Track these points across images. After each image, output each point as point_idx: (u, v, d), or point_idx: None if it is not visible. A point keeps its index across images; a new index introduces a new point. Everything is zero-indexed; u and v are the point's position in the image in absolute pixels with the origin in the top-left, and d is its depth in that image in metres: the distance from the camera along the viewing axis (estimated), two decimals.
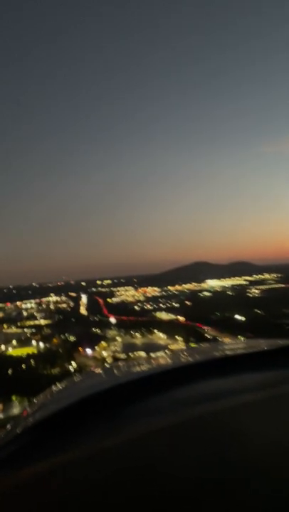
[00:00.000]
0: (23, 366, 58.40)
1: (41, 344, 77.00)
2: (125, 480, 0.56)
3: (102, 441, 0.66)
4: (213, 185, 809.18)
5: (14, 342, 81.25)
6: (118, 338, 78.10)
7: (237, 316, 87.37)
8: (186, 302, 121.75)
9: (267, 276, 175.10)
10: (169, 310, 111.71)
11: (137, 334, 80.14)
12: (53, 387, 1.20)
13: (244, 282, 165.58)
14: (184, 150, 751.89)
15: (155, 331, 79.03)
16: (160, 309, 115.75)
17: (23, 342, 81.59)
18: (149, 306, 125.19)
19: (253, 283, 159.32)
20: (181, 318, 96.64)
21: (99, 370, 1.28)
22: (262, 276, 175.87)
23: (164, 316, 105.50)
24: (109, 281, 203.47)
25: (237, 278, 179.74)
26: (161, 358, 1.31)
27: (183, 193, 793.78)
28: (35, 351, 71.31)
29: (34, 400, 1.11)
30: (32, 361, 60.85)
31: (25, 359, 63.58)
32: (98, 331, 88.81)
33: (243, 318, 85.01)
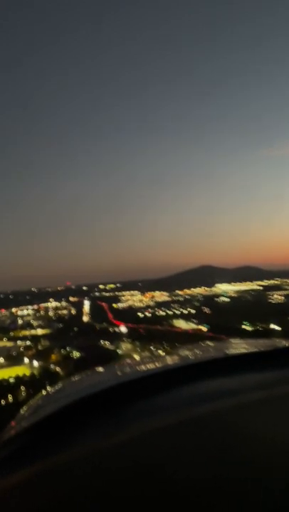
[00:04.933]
0: (9, 397, 42.27)
1: (36, 363, 60.98)
2: (126, 479, 0.55)
3: (103, 440, 0.66)
4: (219, 188, 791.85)
5: (1, 359, 65.26)
6: (135, 356, 60.83)
7: (273, 326, 72.43)
8: (204, 309, 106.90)
9: (280, 281, 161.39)
10: (186, 317, 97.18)
11: (159, 351, 62.90)
12: (54, 386, 1.18)
13: (258, 287, 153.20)
14: (190, 153, 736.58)
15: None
16: (176, 316, 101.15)
17: (14, 359, 65.55)
18: (161, 312, 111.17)
19: (267, 288, 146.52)
20: (203, 328, 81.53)
21: (100, 369, 1.25)
22: (275, 282, 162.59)
23: (182, 324, 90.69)
24: (112, 286, 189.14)
25: (248, 283, 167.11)
26: (164, 357, 1.31)
27: (188, 196, 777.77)
28: (28, 372, 55.20)
29: (33, 400, 1.09)
30: (22, 389, 44.76)
31: (13, 385, 47.74)
32: (107, 343, 73.53)
33: (279, 328, 70.18)
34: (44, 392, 1.15)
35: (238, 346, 1.30)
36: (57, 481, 0.58)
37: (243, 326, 76.70)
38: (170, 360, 1.21)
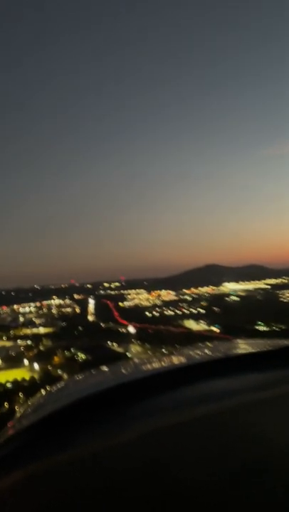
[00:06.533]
0: (6, 405, 37.42)
1: (36, 365, 55.85)
2: (129, 479, 0.55)
3: (105, 440, 0.66)
4: (223, 187, 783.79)
5: None
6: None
7: None
8: (214, 308, 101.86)
9: (288, 279, 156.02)
10: (196, 317, 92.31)
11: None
12: (56, 385, 1.17)
13: (266, 286, 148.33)
14: (195, 152, 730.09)
15: None
16: (185, 316, 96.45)
17: (12, 361, 60.56)
18: (169, 311, 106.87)
19: (276, 287, 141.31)
20: (215, 329, 76.60)
21: (104, 369, 1.24)
22: (283, 280, 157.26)
23: (193, 325, 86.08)
24: (117, 284, 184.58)
25: (256, 281, 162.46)
26: (167, 357, 1.30)
27: (191, 195, 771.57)
28: (28, 376, 50.29)
29: (34, 398, 1.09)
30: (20, 395, 39.91)
31: (10, 391, 42.97)
32: (115, 345, 68.39)
33: None
34: (45, 391, 1.14)
35: (243, 346, 1.30)
36: (58, 480, 0.58)
37: (256, 327, 71.77)
38: (174, 360, 1.20)
